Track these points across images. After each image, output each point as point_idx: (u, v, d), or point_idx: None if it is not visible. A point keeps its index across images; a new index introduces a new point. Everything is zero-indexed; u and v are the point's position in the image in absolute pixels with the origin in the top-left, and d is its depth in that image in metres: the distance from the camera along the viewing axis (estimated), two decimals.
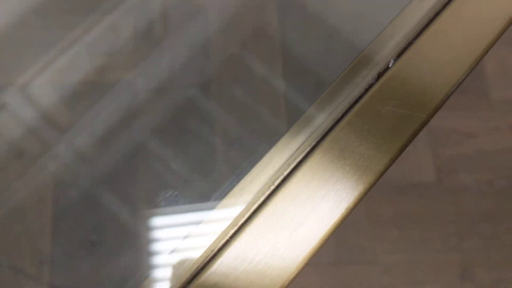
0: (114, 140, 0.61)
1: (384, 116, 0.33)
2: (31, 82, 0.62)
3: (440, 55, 0.34)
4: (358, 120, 0.33)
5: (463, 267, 0.58)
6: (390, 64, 0.34)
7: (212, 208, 0.34)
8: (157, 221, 0.58)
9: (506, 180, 0.60)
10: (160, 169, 0.59)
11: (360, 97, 0.33)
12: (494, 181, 0.60)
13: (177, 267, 0.33)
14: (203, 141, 0.60)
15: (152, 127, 0.60)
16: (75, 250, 0.57)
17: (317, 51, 0.61)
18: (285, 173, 0.33)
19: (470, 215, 0.59)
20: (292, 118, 0.57)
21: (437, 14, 0.34)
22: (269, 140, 0.60)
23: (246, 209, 0.31)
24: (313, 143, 0.33)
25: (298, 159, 0.33)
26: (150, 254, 0.50)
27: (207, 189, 0.56)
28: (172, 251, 0.33)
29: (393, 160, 0.32)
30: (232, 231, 0.31)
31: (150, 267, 0.48)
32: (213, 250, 0.31)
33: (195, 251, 0.31)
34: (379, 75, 0.34)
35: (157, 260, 0.47)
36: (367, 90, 0.33)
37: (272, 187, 0.32)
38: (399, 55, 0.34)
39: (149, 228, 0.58)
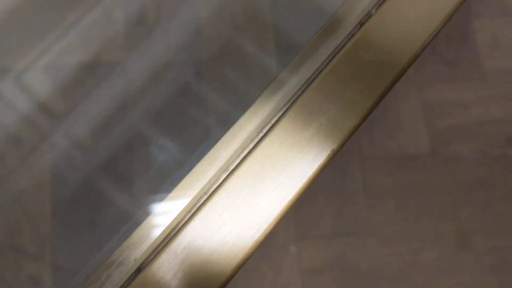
0: (111, 123, 0.61)
1: (366, 62, 0.34)
2: (25, 69, 0.62)
3: (420, 2, 0.34)
4: (342, 67, 0.34)
5: (460, 235, 0.59)
6: (372, 13, 0.35)
7: (186, 173, 0.34)
8: (149, 199, 0.59)
9: (500, 148, 0.61)
10: (154, 150, 0.59)
11: (343, 45, 0.34)
12: (488, 150, 0.61)
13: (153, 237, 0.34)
14: (197, 122, 0.60)
15: (146, 110, 0.60)
16: (75, 230, 0.57)
17: (307, 24, 0.61)
18: (272, 120, 0.34)
19: (465, 184, 0.60)
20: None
21: None
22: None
23: (233, 157, 0.33)
24: (298, 93, 0.34)
25: (288, 103, 0.34)
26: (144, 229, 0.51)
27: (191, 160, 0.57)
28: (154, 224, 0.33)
29: (376, 104, 0.34)
30: (214, 187, 0.32)
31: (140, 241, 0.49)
32: (191, 210, 0.32)
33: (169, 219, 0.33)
34: (361, 24, 0.34)
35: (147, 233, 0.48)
36: (349, 38, 0.34)
37: (261, 134, 0.33)
38: (380, 4, 0.34)
39: (144, 206, 0.59)
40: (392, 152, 0.60)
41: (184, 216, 0.32)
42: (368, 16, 0.34)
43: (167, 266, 0.31)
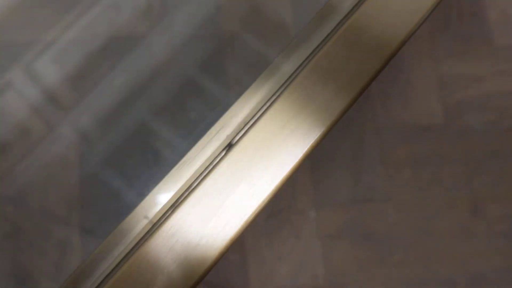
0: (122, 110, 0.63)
1: (358, 47, 0.35)
2: (36, 59, 0.64)
3: None
4: (334, 51, 0.35)
5: (473, 203, 0.61)
6: (347, 16, 0.36)
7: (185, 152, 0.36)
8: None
9: (511, 120, 0.63)
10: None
11: (336, 31, 0.35)
12: (500, 122, 0.63)
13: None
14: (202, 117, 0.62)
15: (152, 104, 0.62)
16: (102, 194, 0.59)
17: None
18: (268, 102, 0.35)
19: (478, 155, 0.62)
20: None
21: None
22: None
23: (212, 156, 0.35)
24: (292, 77, 0.35)
25: (284, 85, 0.35)
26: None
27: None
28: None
29: (365, 87, 0.35)
30: (209, 167, 0.34)
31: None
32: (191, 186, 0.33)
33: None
34: (353, 11, 0.36)
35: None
36: (342, 24, 0.36)
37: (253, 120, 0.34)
38: (357, 7, 0.36)
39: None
40: (407, 123, 0.63)
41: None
42: (360, 2, 0.35)
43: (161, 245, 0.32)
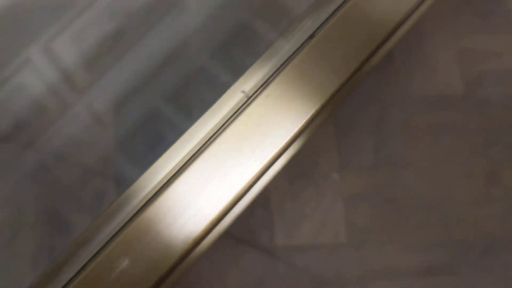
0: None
1: (354, 31, 0.36)
2: (53, 40, 0.67)
3: None
4: (331, 34, 0.36)
5: (490, 171, 0.64)
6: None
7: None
8: None
9: None
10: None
11: (333, 15, 0.37)
12: None
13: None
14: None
15: (163, 90, 0.65)
16: (137, 149, 0.62)
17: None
18: (248, 97, 0.37)
19: (495, 126, 0.65)
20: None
21: None
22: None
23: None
24: (276, 72, 0.37)
25: (260, 88, 0.37)
26: None
27: None
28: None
29: (357, 70, 0.37)
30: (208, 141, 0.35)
31: None
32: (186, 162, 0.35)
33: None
34: (337, 9, 0.37)
35: None
36: (339, 8, 0.37)
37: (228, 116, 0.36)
38: None
39: None
40: (429, 94, 0.65)
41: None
42: None
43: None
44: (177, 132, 0.63)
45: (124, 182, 0.62)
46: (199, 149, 0.37)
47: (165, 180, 0.38)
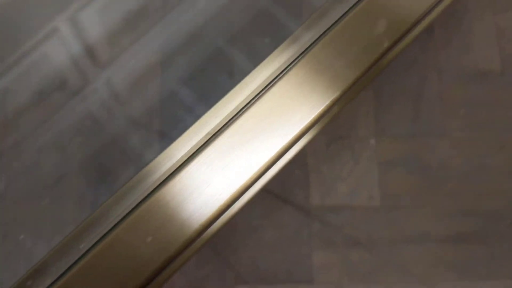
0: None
1: (373, 24, 0.36)
2: (80, 11, 0.68)
3: None
4: (351, 26, 0.36)
5: None
6: None
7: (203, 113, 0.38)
8: None
9: None
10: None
11: (354, 6, 0.37)
12: None
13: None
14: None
15: (181, 71, 0.66)
16: (183, 102, 0.64)
17: None
18: (269, 81, 0.36)
19: None
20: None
21: None
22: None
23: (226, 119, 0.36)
24: (294, 61, 0.36)
25: (278, 75, 0.36)
26: None
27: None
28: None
29: (360, 76, 0.36)
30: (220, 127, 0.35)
31: None
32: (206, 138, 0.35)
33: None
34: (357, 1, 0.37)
35: None
36: (349, 10, 0.37)
37: (252, 98, 0.36)
38: None
39: None
40: (466, 67, 0.67)
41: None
42: None
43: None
44: (193, 115, 0.64)
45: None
46: (229, 120, 0.37)
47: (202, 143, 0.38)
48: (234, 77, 0.66)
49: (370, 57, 0.37)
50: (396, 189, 0.64)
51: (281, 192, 0.64)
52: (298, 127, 0.35)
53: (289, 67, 0.36)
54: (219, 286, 0.61)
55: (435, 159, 0.65)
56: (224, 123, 0.35)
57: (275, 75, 0.37)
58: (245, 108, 0.35)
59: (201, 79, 0.66)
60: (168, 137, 0.65)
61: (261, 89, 0.36)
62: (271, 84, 0.36)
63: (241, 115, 0.35)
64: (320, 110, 0.35)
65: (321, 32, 0.37)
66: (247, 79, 0.38)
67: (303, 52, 0.37)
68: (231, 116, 0.36)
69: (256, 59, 0.68)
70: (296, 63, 0.36)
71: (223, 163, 0.35)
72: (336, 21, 0.37)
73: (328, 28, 0.37)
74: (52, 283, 0.32)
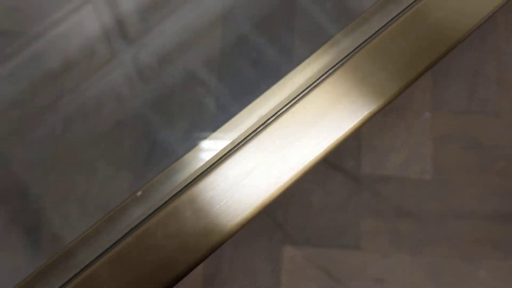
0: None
1: (419, 34, 0.35)
2: None
3: None
4: (396, 35, 0.35)
5: None
6: (415, 2, 0.35)
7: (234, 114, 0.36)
8: None
9: None
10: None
11: (400, 15, 0.35)
12: None
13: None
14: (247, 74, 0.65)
15: (206, 54, 0.66)
16: (171, 107, 0.64)
17: None
18: (312, 84, 0.35)
19: None
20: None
21: None
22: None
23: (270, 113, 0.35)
24: (337, 64, 0.35)
25: (323, 76, 0.35)
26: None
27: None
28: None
29: (420, 75, 0.35)
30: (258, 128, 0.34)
31: None
32: (237, 143, 0.33)
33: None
34: (405, 10, 0.35)
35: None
36: (407, 9, 0.35)
37: (291, 100, 0.34)
38: None
39: None
40: None
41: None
42: None
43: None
44: (213, 100, 0.64)
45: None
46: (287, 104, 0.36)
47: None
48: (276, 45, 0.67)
49: (413, 71, 0.36)
50: (448, 164, 0.64)
51: (333, 159, 0.64)
52: (333, 138, 0.34)
53: (327, 73, 0.35)
54: (266, 246, 0.62)
55: (488, 137, 0.65)
56: (257, 126, 0.34)
57: (311, 82, 0.35)
58: (277, 116, 0.34)
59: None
60: (225, 91, 0.65)
61: (296, 94, 0.35)
62: (306, 91, 0.35)
63: (270, 124, 0.34)
64: (356, 122, 0.35)
65: (364, 39, 0.36)
66: (282, 81, 0.36)
67: (343, 58, 0.36)
68: (262, 121, 0.34)
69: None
70: (335, 70, 0.35)
71: (254, 167, 0.34)
72: (381, 29, 0.36)
73: (372, 36, 0.36)
74: (84, 268, 0.32)
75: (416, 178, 0.64)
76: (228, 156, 0.33)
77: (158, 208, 0.32)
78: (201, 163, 0.35)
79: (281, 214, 0.63)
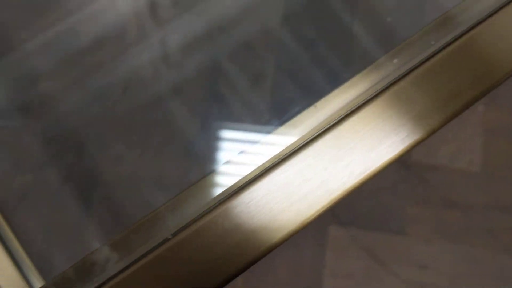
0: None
1: (468, 66, 0.34)
2: None
3: None
4: (444, 64, 0.34)
5: None
6: (467, 30, 0.34)
7: (270, 132, 0.34)
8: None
9: None
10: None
11: (449, 44, 0.34)
12: None
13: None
14: (277, 71, 0.64)
15: (231, 46, 0.65)
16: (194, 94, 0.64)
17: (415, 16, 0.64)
18: (347, 111, 0.33)
19: None
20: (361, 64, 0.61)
21: None
22: (335, 81, 0.64)
23: (302, 139, 0.33)
24: (379, 90, 0.33)
25: (362, 101, 0.33)
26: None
27: (270, 114, 0.63)
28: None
29: (446, 121, 0.35)
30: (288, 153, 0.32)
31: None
32: (267, 166, 0.31)
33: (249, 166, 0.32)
34: (456, 38, 0.34)
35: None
36: (441, 49, 0.34)
37: (332, 123, 0.33)
38: (495, 11, 0.34)
39: None
40: None
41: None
42: (480, 21, 0.34)
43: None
44: (235, 93, 0.64)
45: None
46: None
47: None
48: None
49: (460, 102, 0.35)
50: (498, 158, 0.65)
51: None
52: (371, 166, 0.33)
53: (369, 98, 0.34)
54: (313, 223, 0.63)
55: None
56: (293, 148, 0.33)
57: (351, 107, 0.34)
58: (313, 139, 0.32)
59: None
60: (244, 88, 0.66)
61: (335, 118, 0.33)
62: (345, 115, 0.33)
63: (306, 146, 0.32)
64: (396, 153, 0.33)
65: (411, 66, 0.34)
66: (319, 103, 0.34)
67: (387, 84, 0.34)
68: (298, 144, 0.33)
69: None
70: (378, 95, 0.33)
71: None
72: (429, 56, 0.35)
73: (419, 62, 0.34)
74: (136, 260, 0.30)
75: (464, 169, 0.65)
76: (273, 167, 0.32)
77: (212, 205, 0.31)
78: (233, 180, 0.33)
79: None
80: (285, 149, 0.32)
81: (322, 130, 0.32)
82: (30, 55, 0.65)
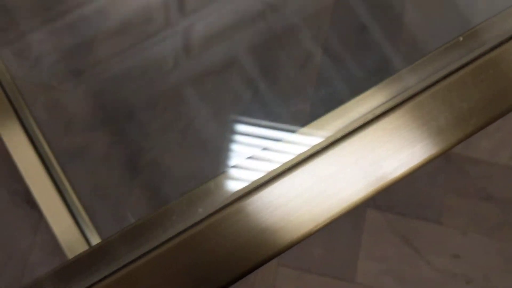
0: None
1: (471, 95, 0.32)
2: None
3: None
4: (447, 91, 0.33)
5: None
6: (496, 46, 0.33)
7: (293, 131, 0.35)
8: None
9: None
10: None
11: (474, 60, 0.33)
12: None
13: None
14: (301, 72, 0.65)
15: (252, 42, 0.66)
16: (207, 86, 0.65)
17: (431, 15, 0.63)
18: (366, 119, 0.32)
19: None
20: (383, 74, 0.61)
21: None
22: (359, 87, 0.64)
23: (321, 143, 0.32)
24: (399, 101, 0.32)
25: (383, 110, 0.32)
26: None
27: (293, 114, 0.63)
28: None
29: (468, 136, 0.33)
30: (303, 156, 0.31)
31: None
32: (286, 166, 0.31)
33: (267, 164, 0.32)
34: (481, 55, 0.33)
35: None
36: (466, 64, 0.33)
37: (350, 129, 0.32)
38: (507, 40, 0.33)
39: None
40: None
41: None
42: (508, 38, 0.33)
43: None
44: (252, 89, 0.64)
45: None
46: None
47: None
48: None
49: (482, 119, 0.33)
50: None
51: None
52: (386, 179, 0.33)
53: (388, 110, 0.33)
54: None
55: None
56: (307, 154, 0.32)
57: (369, 117, 0.33)
58: (327, 148, 0.32)
59: None
60: (261, 86, 0.67)
61: (352, 128, 0.33)
62: (363, 125, 0.33)
63: (321, 154, 0.32)
64: (412, 165, 0.32)
65: (432, 79, 0.34)
66: (335, 112, 0.34)
67: (407, 97, 0.33)
68: (311, 152, 0.32)
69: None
70: (397, 108, 0.33)
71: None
72: (452, 72, 0.33)
73: (441, 77, 0.34)
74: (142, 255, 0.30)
75: (505, 164, 0.65)
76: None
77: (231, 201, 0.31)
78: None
79: None
80: (310, 148, 0.32)
81: (333, 141, 0.32)
82: (86, 19, 0.66)
